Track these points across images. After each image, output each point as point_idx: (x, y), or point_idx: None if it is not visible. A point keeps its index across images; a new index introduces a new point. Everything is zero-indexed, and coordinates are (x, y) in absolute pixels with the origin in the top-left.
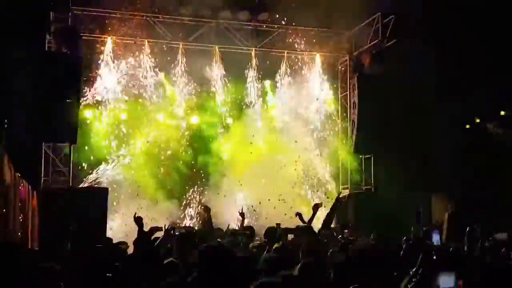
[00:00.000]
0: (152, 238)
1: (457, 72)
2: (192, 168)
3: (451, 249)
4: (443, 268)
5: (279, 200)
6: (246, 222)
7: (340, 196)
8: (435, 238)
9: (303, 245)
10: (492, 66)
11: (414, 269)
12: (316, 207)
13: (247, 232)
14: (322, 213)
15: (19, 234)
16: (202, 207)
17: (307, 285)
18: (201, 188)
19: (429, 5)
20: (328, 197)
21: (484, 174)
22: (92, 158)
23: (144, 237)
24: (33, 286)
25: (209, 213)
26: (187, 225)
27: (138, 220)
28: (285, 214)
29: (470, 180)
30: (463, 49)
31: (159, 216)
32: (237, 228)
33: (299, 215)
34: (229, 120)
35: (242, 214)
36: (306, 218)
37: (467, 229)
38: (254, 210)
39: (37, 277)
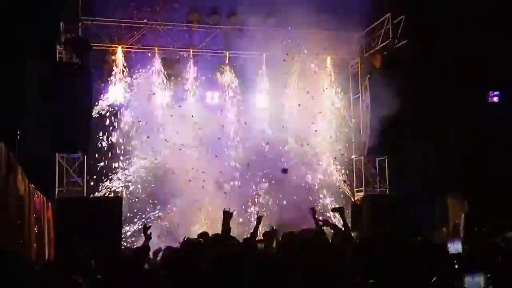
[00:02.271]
0: None
1: (470, 71)
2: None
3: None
4: (469, 272)
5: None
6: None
7: (354, 199)
8: (454, 247)
9: None
10: (506, 64)
11: (435, 277)
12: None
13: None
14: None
15: (35, 245)
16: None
17: None
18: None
19: (439, 4)
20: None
21: (499, 172)
22: (105, 167)
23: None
24: None
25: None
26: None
27: (145, 230)
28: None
29: (486, 179)
30: (476, 48)
31: None
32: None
33: (312, 211)
34: (241, 125)
35: (259, 218)
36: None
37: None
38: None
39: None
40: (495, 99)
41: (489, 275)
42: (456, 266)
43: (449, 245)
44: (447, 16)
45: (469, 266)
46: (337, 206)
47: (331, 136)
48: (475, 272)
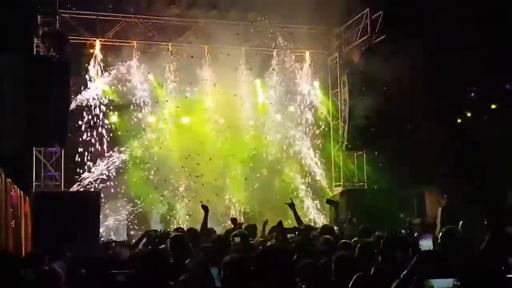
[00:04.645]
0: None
1: (447, 66)
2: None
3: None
4: (439, 272)
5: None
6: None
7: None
8: (427, 243)
9: None
10: (482, 60)
11: (404, 273)
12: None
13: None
14: None
15: (12, 240)
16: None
17: None
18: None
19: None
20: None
21: (475, 167)
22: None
23: None
24: None
25: (206, 213)
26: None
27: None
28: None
29: (462, 173)
30: (453, 43)
31: None
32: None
33: (291, 205)
34: (221, 120)
35: (234, 220)
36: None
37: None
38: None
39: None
40: (472, 94)
41: (460, 276)
42: (427, 263)
43: (421, 241)
44: (425, 11)
45: (440, 265)
46: (332, 199)
47: (309, 131)
48: (446, 272)
